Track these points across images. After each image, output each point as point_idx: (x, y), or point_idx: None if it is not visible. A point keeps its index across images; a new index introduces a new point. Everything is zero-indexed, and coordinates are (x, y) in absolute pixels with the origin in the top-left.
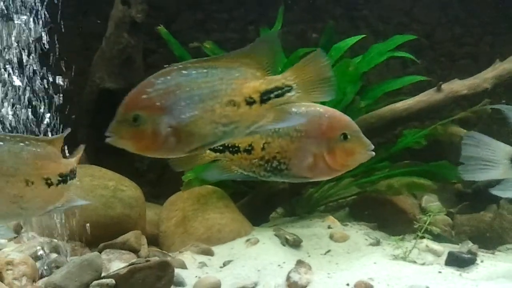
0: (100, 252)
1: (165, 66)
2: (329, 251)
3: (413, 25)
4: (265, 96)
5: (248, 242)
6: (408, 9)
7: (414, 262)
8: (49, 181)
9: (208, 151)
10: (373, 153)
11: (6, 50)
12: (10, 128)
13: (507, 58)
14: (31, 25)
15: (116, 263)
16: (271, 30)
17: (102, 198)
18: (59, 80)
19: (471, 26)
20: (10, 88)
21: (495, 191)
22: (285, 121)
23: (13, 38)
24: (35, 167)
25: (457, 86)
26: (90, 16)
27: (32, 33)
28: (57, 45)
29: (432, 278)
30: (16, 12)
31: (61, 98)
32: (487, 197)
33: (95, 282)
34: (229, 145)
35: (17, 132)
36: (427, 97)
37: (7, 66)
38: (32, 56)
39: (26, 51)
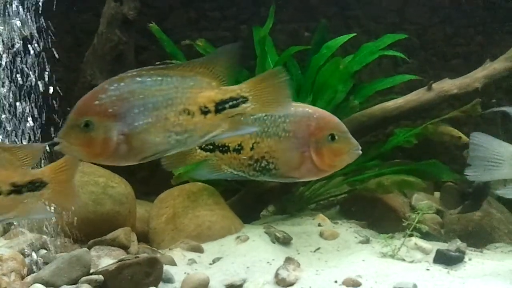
0: (90, 249)
1: (156, 63)
2: (318, 248)
3: (404, 25)
4: (220, 106)
5: (238, 239)
6: (400, 9)
7: (403, 259)
8: None
9: (198, 150)
10: (360, 152)
11: None
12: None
13: (497, 58)
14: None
15: (105, 259)
16: (262, 29)
17: (92, 195)
18: (50, 77)
19: (463, 26)
20: None
21: (500, 192)
22: (238, 131)
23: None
24: None
25: (447, 85)
26: (83, 13)
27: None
28: (49, 42)
29: (420, 276)
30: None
31: (52, 95)
32: (485, 196)
33: (84, 278)
34: (219, 145)
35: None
36: (417, 96)
37: None
38: (22, 55)
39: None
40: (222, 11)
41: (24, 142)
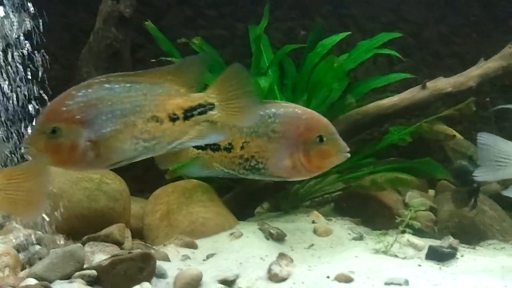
0: (84, 245)
1: (152, 61)
2: (312, 245)
3: (400, 24)
4: (188, 113)
5: (232, 236)
6: (396, 8)
7: (396, 256)
8: None
9: (190, 148)
10: (349, 155)
11: None
12: None
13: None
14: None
15: (99, 255)
16: (257, 27)
17: (86, 191)
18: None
19: (458, 25)
20: None
21: (507, 193)
22: (206, 138)
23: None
24: None
25: (442, 84)
26: (79, 11)
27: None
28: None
29: (412, 271)
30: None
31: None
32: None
33: (77, 273)
34: (211, 143)
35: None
36: (412, 94)
37: None
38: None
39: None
40: (219, 9)
41: (18, 143)
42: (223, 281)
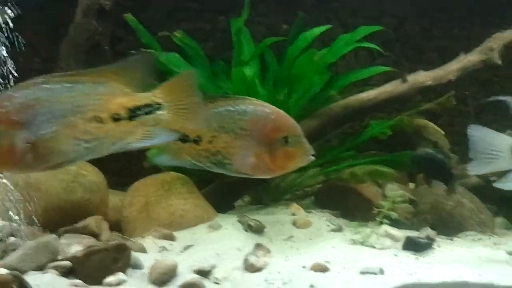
0: (60, 236)
1: (132, 52)
2: (291, 237)
3: (382, 18)
4: (133, 113)
5: (210, 228)
6: (377, 2)
7: (373, 246)
8: None
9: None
10: (313, 158)
11: None
12: None
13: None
14: None
15: (76, 247)
16: (238, 20)
17: (63, 182)
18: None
19: (439, 19)
20: None
21: (498, 185)
22: (154, 139)
23: None
24: None
25: (421, 77)
26: (59, 2)
27: None
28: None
29: (388, 261)
30: None
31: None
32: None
33: (51, 264)
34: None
35: None
36: (392, 87)
37: None
38: None
39: None
40: (201, 2)
41: None
42: (198, 271)
